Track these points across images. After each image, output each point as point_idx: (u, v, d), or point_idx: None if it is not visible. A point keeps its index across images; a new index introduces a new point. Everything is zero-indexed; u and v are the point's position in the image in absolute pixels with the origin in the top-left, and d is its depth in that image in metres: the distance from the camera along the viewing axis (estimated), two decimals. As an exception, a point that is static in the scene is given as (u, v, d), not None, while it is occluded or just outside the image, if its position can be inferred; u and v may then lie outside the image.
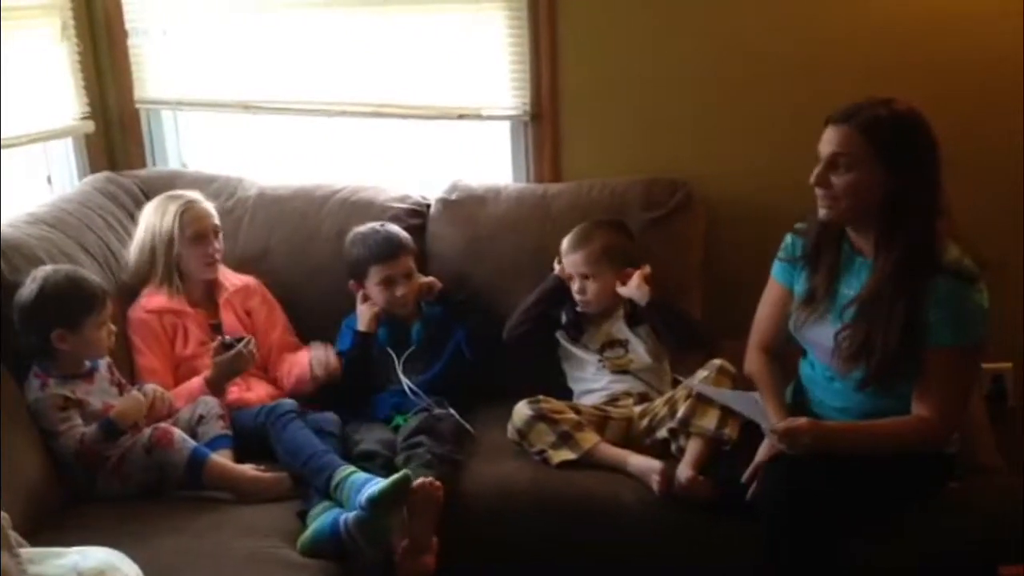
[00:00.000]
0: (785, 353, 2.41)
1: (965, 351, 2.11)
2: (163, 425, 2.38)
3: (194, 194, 2.81)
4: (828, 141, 2.11)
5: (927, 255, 2.08)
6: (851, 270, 2.22)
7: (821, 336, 2.24)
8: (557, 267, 2.69)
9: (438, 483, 2.25)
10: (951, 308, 2.07)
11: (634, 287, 2.61)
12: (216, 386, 2.56)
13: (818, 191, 2.14)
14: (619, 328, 2.65)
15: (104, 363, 2.49)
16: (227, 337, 2.59)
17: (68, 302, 2.37)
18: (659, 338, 2.64)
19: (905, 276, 2.08)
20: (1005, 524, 2.16)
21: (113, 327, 2.46)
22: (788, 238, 2.37)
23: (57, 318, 2.35)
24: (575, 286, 2.64)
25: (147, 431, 2.36)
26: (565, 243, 2.67)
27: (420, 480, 2.24)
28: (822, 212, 2.16)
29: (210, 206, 2.80)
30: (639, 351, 2.63)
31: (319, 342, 2.74)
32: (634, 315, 2.65)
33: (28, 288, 2.38)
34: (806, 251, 2.29)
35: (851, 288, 2.20)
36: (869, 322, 2.11)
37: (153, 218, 2.75)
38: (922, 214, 2.07)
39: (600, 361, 2.64)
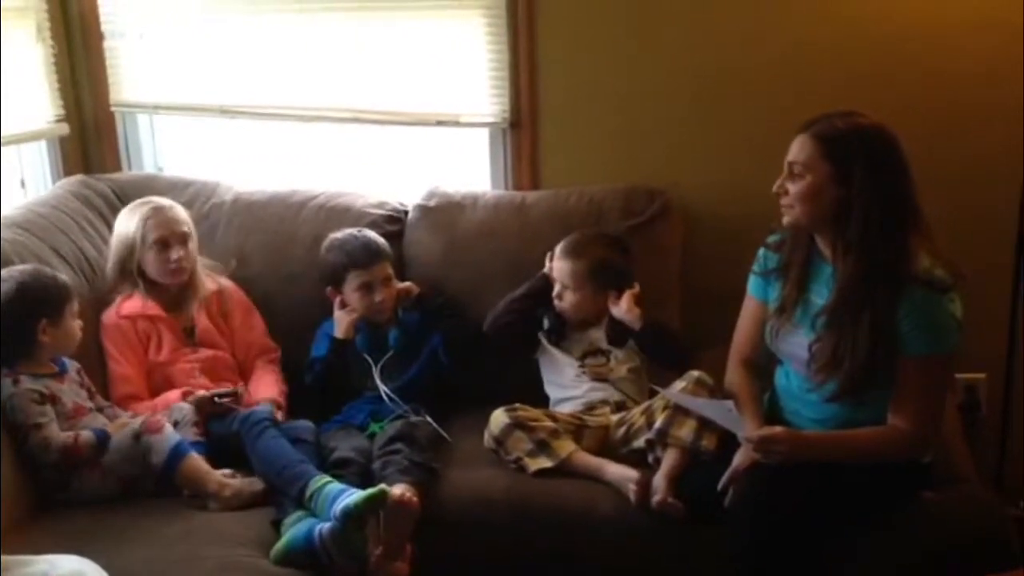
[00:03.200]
0: (765, 365, 2.42)
1: (939, 361, 2.13)
2: (154, 416, 2.41)
3: (165, 200, 2.79)
4: (790, 150, 2.17)
5: (892, 266, 2.09)
6: (819, 278, 2.24)
7: (795, 346, 2.25)
8: (548, 266, 2.69)
9: (415, 499, 2.25)
10: (924, 318, 2.09)
11: (625, 311, 2.60)
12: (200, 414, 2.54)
13: (781, 201, 2.19)
14: (602, 338, 2.65)
15: (73, 367, 2.48)
16: (216, 399, 2.52)
17: (49, 293, 2.41)
18: (645, 355, 2.64)
19: (869, 286, 2.09)
20: (978, 534, 2.17)
21: (79, 320, 2.49)
22: (761, 252, 2.39)
23: (43, 310, 2.39)
24: (555, 289, 2.65)
25: (139, 419, 2.39)
26: (559, 248, 2.67)
27: (398, 493, 2.23)
28: (783, 218, 2.21)
29: (180, 213, 2.77)
30: (620, 361, 2.63)
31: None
32: (616, 334, 2.64)
33: (4, 287, 2.39)
34: (778, 262, 2.31)
35: (820, 296, 2.21)
36: (838, 333, 2.13)
37: (121, 225, 2.74)
38: (881, 222, 2.08)
39: (581, 367, 2.63)
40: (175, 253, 2.69)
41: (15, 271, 2.44)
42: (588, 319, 2.66)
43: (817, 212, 2.14)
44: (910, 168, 2.11)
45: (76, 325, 2.46)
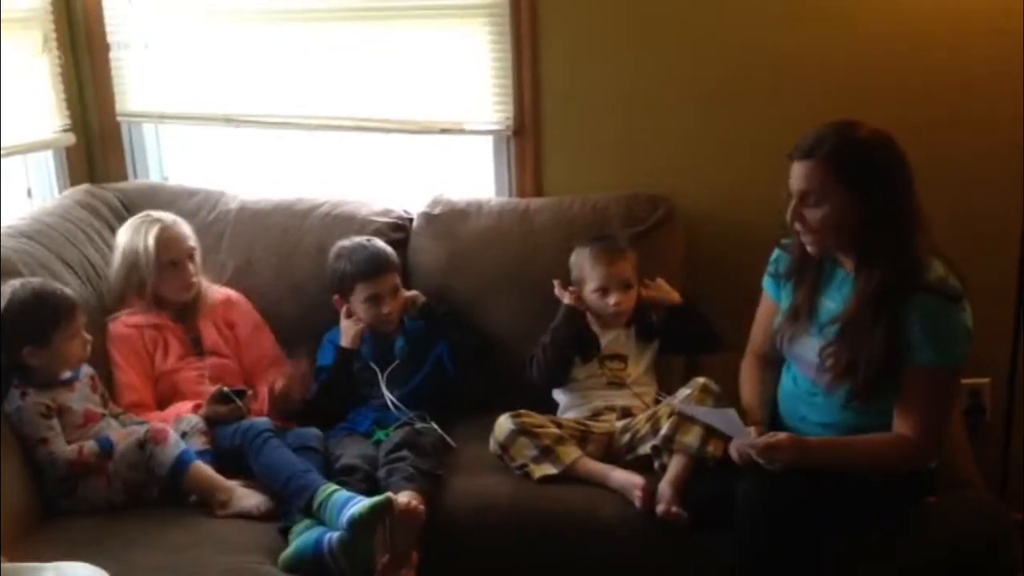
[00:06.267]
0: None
1: (947, 372, 2.12)
2: (160, 424, 2.42)
3: (171, 216, 2.80)
4: (796, 177, 2.13)
5: (908, 273, 2.09)
6: (833, 283, 2.24)
7: (805, 350, 2.26)
8: (567, 297, 2.64)
9: (421, 506, 2.25)
10: (934, 327, 2.08)
11: (667, 289, 2.63)
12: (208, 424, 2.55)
13: (796, 226, 2.16)
14: (621, 342, 2.65)
15: (86, 374, 2.50)
16: (226, 388, 2.55)
17: (34, 319, 2.37)
18: (679, 341, 2.65)
19: (886, 295, 2.09)
20: (982, 538, 2.18)
21: (88, 336, 2.46)
22: (775, 252, 2.39)
23: (26, 336, 2.36)
24: (612, 299, 2.59)
25: (143, 428, 2.38)
26: (593, 262, 2.62)
27: (403, 501, 2.23)
28: (808, 248, 2.19)
29: (186, 228, 2.79)
30: (636, 364, 2.64)
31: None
32: (645, 326, 2.66)
33: None
34: (790, 267, 2.31)
35: (834, 301, 2.22)
36: (852, 342, 2.13)
37: (130, 242, 2.73)
38: (898, 232, 2.09)
39: (600, 370, 2.63)
40: (188, 271, 2.72)
41: (16, 287, 2.40)
42: (612, 323, 2.65)
43: (843, 235, 2.13)
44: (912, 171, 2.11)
45: (72, 346, 2.42)
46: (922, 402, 2.11)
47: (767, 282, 2.42)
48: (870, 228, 2.09)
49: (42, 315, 2.38)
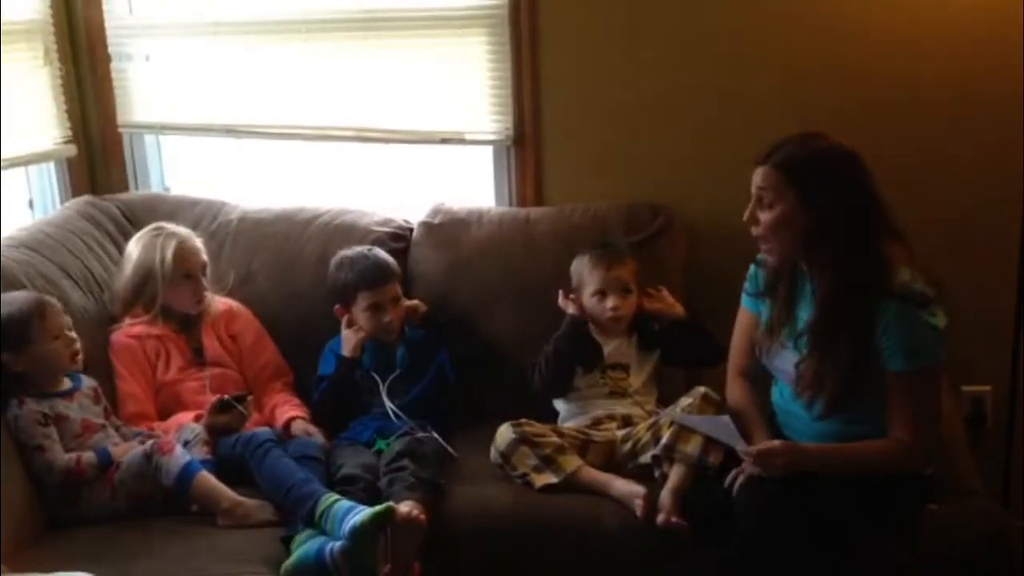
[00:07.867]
0: (762, 380, 2.43)
1: (921, 375, 2.12)
2: (167, 437, 2.43)
3: (185, 230, 2.82)
4: (754, 182, 2.19)
5: (868, 281, 2.10)
6: (804, 295, 2.25)
7: (785, 363, 2.27)
8: (571, 308, 2.64)
9: (422, 516, 2.25)
10: (900, 333, 2.09)
11: (671, 302, 2.63)
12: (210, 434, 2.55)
13: (753, 231, 2.21)
14: (623, 351, 2.65)
15: (88, 385, 2.50)
16: (225, 396, 2.55)
17: (4, 324, 2.37)
18: (680, 355, 2.65)
19: (846, 303, 2.12)
20: (983, 546, 2.17)
21: (73, 335, 2.46)
22: (752, 269, 2.41)
23: (1, 342, 2.36)
24: (610, 303, 2.60)
25: (150, 440, 2.40)
26: (592, 266, 2.62)
27: (404, 510, 2.23)
28: (767, 258, 2.25)
29: (199, 242, 2.81)
30: (639, 374, 2.64)
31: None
32: (648, 335, 2.66)
33: None
34: (766, 282, 2.33)
35: (805, 312, 2.23)
36: (820, 352, 2.15)
37: (145, 254, 2.73)
38: (851, 244, 2.11)
39: (602, 380, 2.63)
40: (201, 284, 2.74)
41: None
42: (614, 331, 2.65)
43: (792, 240, 2.17)
44: (874, 181, 2.13)
45: (55, 346, 2.41)
46: (906, 406, 2.13)
47: (745, 298, 2.43)
48: (817, 237, 2.12)
49: (10, 319, 2.37)
